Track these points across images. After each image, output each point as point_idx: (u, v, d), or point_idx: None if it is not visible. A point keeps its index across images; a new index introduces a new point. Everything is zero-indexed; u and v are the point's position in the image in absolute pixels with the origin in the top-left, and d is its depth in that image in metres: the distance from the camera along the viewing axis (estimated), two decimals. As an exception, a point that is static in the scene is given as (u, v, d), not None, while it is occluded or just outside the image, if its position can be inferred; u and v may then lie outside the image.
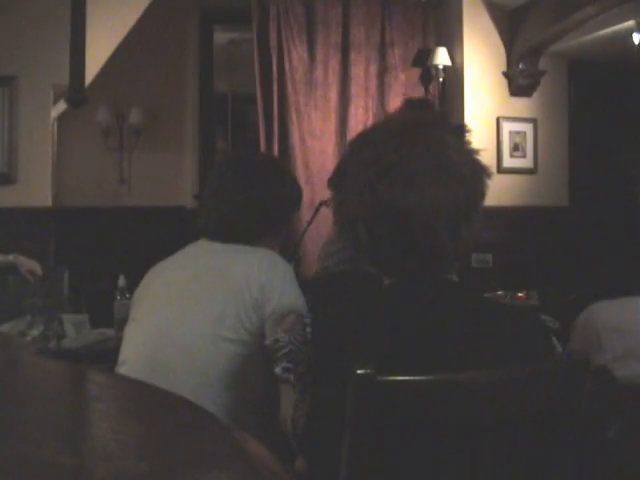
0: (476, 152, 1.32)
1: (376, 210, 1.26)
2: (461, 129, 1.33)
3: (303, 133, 5.09)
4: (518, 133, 5.27)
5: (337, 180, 1.37)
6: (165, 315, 1.79)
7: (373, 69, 5.25)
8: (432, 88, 5.32)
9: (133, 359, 1.79)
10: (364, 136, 1.39)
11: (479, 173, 1.31)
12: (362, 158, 1.30)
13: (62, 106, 4.64)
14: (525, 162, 5.29)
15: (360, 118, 5.19)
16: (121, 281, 3.02)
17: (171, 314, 1.78)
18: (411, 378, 1.12)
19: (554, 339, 1.33)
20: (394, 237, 1.26)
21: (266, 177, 1.93)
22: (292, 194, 2.00)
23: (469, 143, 1.32)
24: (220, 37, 5.92)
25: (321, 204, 3.47)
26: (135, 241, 5.05)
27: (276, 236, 2.02)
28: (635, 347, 1.93)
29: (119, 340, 1.95)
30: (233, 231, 1.88)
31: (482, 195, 1.31)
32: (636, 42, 4.52)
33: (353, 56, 5.21)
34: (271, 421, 1.61)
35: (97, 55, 4.38)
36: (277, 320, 1.66)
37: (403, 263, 1.29)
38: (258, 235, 1.91)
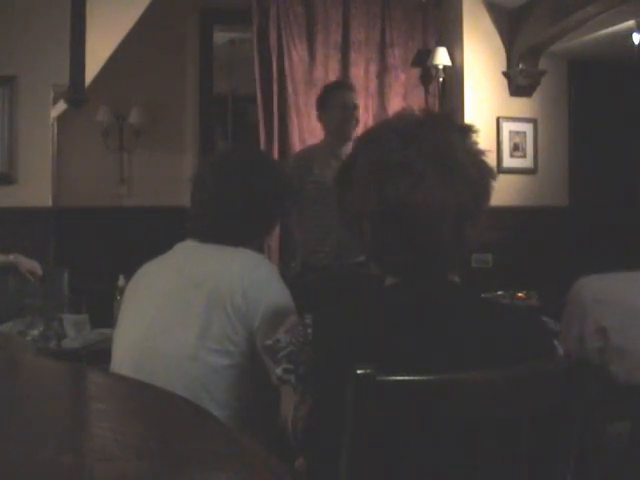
0: (482, 153, 1.31)
1: (382, 209, 1.26)
2: (468, 129, 1.33)
3: (303, 133, 5.08)
4: (518, 133, 5.27)
5: (342, 177, 1.36)
6: (149, 325, 1.74)
7: (373, 69, 5.25)
8: (432, 88, 5.32)
9: (118, 369, 1.75)
10: (371, 134, 1.38)
11: (485, 174, 1.30)
12: (368, 156, 1.30)
13: (62, 106, 4.64)
14: (525, 162, 5.29)
15: (360, 118, 5.18)
16: (121, 281, 3.02)
17: (155, 324, 1.74)
18: (411, 378, 1.12)
19: (555, 341, 1.33)
20: (399, 236, 1.26)
21: (256, 174, 1.87)
22: (283, 191, 1.95)
23: (476, 144, 1.32)
24: (220, 37, 5.92)
25: None
26: (135, 241, 5.04)
27: (265, 234, 2.00)
28: (618, 319, 1.93)
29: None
30: (220, 231, 1.82)
31: (488, 196, 1.31)
32: (636, 42, 4.52)
33: (353, 56, 5.21)
34: (268, 424, 1.59)
35: (97, 55, 4.38)
36: (269, 327, 1.63)
37: (407, 262, 1.29)
38: (247, 234, 1.86)
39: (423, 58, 5.27)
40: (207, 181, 1.88)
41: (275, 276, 1.78)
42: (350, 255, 3.28)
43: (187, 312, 1.71)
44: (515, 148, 5.26)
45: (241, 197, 1.84)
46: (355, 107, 3.50)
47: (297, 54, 5.11)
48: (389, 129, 1.33)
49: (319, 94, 3.89)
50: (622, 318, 1.92)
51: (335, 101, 3.44)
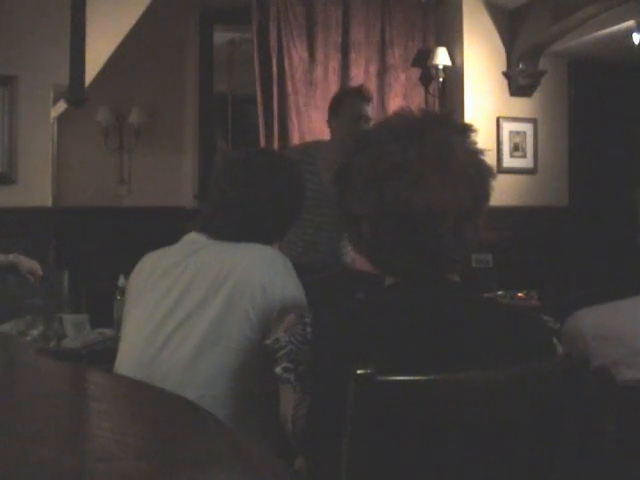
0: (481, 152, 1.31)
1: (381, 210, 1.26)
2: (467, 129, 1.33)
3: (303, 133, 5.08)
4: (518, 133, 5.27)
5: (341, 179, 1.36)
6: (162, 323, 1.72)
7: (373, 69, 5.26)
8: (432, 88, 5.32)
9: (127, 369, 1.72)
10: (369, 135, 1.38)
11: (484, 174, 1.30)
12: (367, 157, 1.30)
13: (62, 106, 4.64)
14: (525, 162, 5.30)
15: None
16: (121, 281, 3.01)
17: (168, 322, 1.71)
18: (411, 378, 1.12)
19: (555, 340, 1.33)
20: (399, 237, 1.26)
21: (275, 175, 1.87)
22: (300, 192, 1.94)
23: (475, 143, 1.32)
24: (220, 37, 5.92)
25: None
26: (135, 241, 5.02)
27: (282, 236, 1.99)
28: (624, 354, 1.88)
29: (119, 340, 1.92)
30: (238, 231, 1.81)
31: (487, 196, 1.31)
32: (636, 42, 4.52)
33: (353, 56, 5.22)
34: (271, 422, 1.59)
35: (97, 55, 4.38)
36: (279, 319, 1.63)
37: (407, 263, 1.29)
38: (265, 235, 1.85)
39: (423, 58, 5.27)
40: (226, 182, 1.87)
41: (290, 272, 1.77)
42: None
43: (202, 311, 1.69)
44: (515, 148, 5.26)
45: (260, 198, 1.83)
46: (367, 120, 3.36)
47: (297, 54, 5.12)
48: (387, 130, 1.33)
49: (334, 96, 3.77)
50: (626, 353, 1.87)
51: (349, 110, 3.35)
